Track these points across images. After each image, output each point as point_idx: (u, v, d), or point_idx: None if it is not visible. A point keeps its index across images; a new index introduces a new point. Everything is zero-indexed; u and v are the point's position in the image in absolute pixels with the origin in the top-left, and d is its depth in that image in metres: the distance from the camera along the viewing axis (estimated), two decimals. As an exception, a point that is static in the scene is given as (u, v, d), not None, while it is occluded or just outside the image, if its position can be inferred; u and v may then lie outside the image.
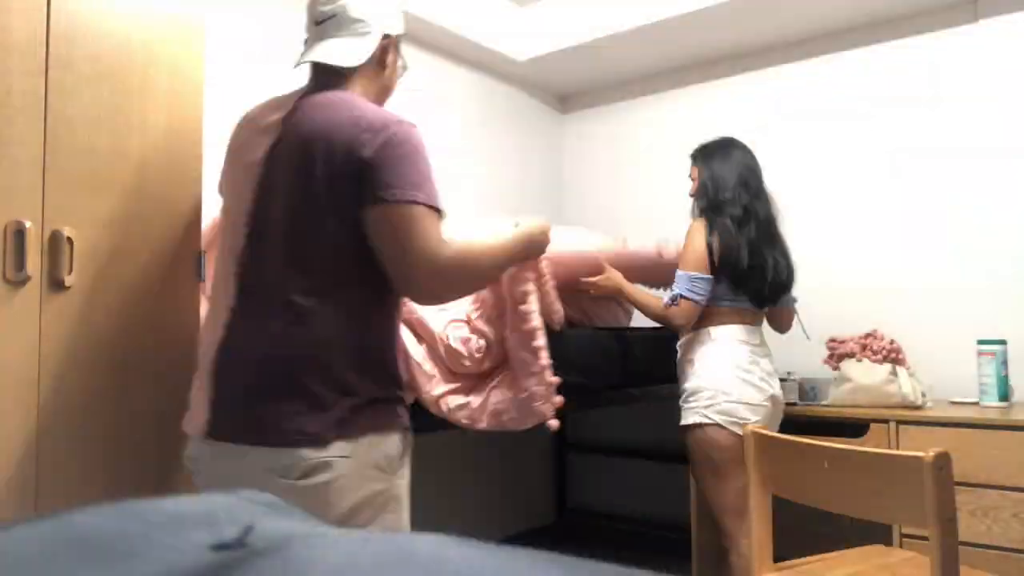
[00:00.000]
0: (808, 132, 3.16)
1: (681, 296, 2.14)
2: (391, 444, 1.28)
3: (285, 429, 1.19)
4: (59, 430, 1.44)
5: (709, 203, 2.23)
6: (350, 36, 1.38)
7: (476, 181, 3.43)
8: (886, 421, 2.28)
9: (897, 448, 2.22)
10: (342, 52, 1.37)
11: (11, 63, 1.39)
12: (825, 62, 3.14)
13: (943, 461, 1.31)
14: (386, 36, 1.43)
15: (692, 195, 2.35)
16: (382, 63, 1.46)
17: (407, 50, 3.10)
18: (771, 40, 3.22)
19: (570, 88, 3.88)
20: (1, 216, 1.38)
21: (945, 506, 1.30)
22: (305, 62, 1.42)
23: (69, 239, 1.45)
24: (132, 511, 0.38)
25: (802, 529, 2.34)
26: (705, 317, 2.19)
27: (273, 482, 1.14)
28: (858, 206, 3.01)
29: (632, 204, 3.68)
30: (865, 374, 2.44)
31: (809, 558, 1.74)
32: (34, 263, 1.41)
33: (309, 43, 1.43)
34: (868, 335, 2.56)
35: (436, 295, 1.37)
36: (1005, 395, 2.38)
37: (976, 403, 2.44)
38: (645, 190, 3.65)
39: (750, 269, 2.15)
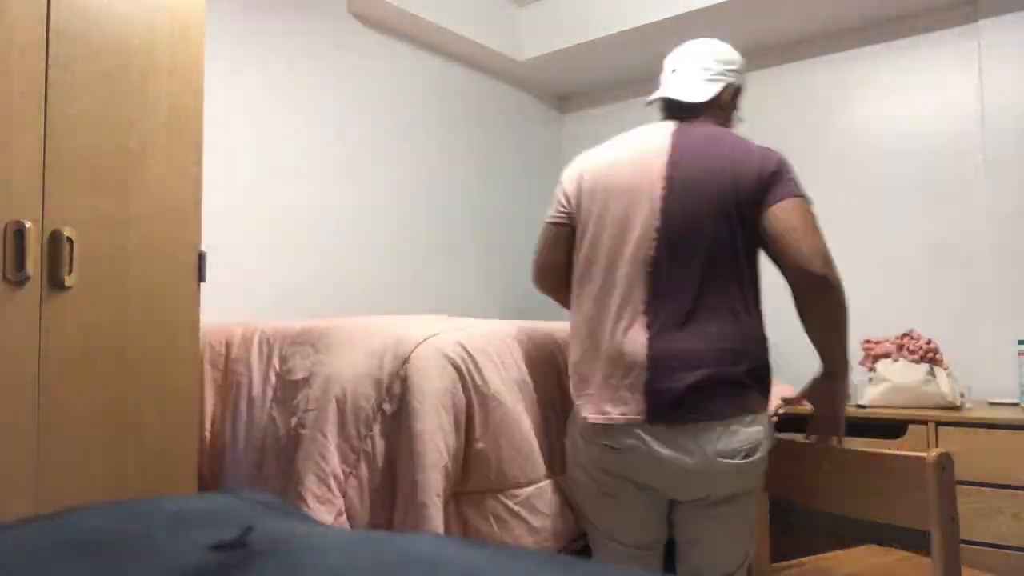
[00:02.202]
0: (809, 131, 3.16)
1: None
2: None
3: None
4: (59, 430, 1.44)
5: None
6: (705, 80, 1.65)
7: (476, 181, 3.43)
8: (925, 422, 2.24)
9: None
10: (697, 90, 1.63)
11: (11, 63, 1.39)
12: (825, 62, 3.14)
13: (945, 461, 1.31)
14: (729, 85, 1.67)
15: None
16: (723, 107, 1.68)
17: (407, 49, 3.11)
18: (771, 40, 3.21)
19: (570, 88, 3.88)
20: (1, 216, 1.38)
21: (947, 507, 1.30)
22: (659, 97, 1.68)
23: (69, 239, 1.45)
24: (132, 511, 0.38)
25: (803, 528, 2.34)
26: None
27: None
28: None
29: (632, 204, 3.68)
30: (902, 374, 2.39)
31: (809, 558, 1.73)
32: (34, 263, 1.41)
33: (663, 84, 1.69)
34: (904, 335, 2.50)
35: None
36: (1046, 396, 2.34)
37: (1016, 404, 2.42)
38: (645, 190, 3.65)
39: None
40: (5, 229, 1.38)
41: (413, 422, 1.51)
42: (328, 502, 1.55)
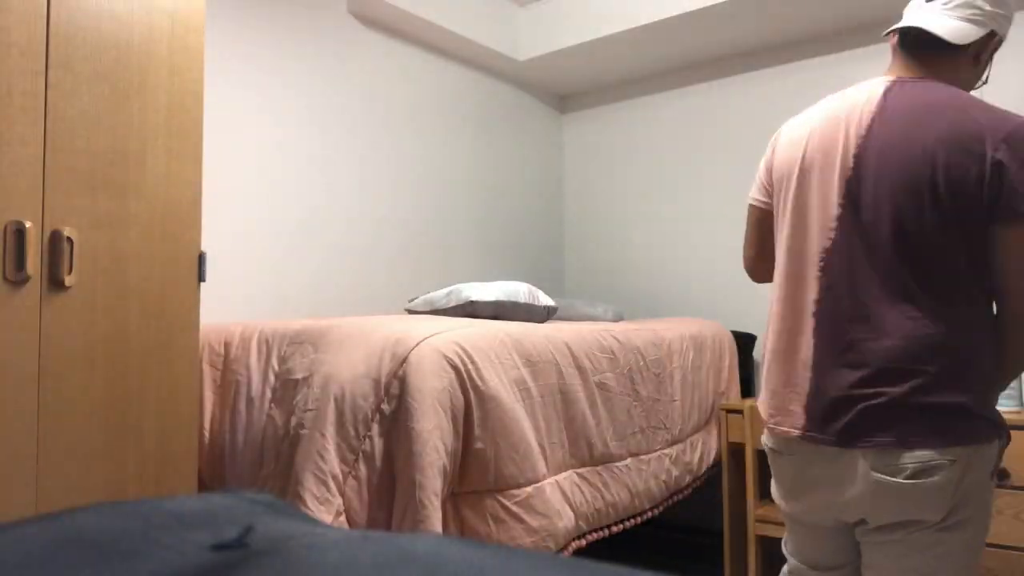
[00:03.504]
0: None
1: None
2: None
3: None
4: (59, 430, 1.44)
5: None
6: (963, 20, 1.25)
7: (475, 181, 3.43)
8: None
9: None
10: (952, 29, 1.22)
11: (11, 63, 1.39)
12: (825, 62, 3.14)
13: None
14: (993, 33, 1.28)
15: None
16: (979, 58, 1.30)
17: (407, 49, 3.11)
18: (771, 40, 3.22)
19: (570, 88, 3.88)
20: (1, 216, 1.38)
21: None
22: (906, 27, 1.27)
23: (69, 239, 1.45)
24: (132, 511, 0.38)
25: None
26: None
27: None
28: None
29: (632, 204, 3.68)
30: None
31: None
32: (34, 263, 1.41)
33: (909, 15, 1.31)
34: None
35: None
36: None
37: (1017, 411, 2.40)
38: (645, 190, 3.65)
39: None
40: (5, 229, 1.38)
41: (411, 422, 1.51)
42: (327, 502, 1.55)
